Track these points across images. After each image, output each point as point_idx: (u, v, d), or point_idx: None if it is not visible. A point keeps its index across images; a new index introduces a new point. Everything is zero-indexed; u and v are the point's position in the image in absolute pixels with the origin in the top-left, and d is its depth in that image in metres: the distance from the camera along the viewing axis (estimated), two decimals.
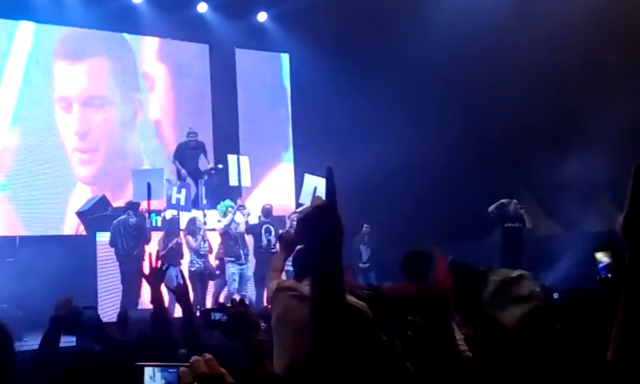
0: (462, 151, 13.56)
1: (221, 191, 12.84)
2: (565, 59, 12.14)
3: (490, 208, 12.15)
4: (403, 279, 5.94)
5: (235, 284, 11.71)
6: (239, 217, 11.91)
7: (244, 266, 11.86)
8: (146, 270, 4.23)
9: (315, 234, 1.74)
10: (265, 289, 4.77)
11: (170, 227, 11.66)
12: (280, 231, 11.96)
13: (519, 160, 13.01)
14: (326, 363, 1.78)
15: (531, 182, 12.84)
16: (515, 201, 12.29)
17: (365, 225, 13.40)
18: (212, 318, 2.79)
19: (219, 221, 11.84)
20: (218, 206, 12.09)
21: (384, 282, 9.43)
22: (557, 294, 9.22)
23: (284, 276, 4.73)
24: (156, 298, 4.20)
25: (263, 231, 12.06)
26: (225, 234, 11.84)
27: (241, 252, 11.81)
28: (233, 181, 12.82)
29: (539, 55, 12.34)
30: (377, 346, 3.42)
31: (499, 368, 2.59)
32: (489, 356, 2.59)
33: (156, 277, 4.17)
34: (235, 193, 12.89)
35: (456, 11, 12.99)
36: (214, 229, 11.96)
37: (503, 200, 12.29)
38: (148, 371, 1.59)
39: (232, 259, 11.79)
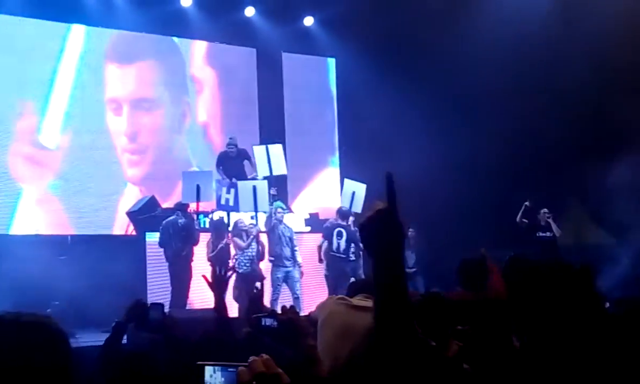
0: (510, 157, 13.44)
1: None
2: (615, 64, 11.99)
3: (518, 217, 12.12)
4: (458, 287, 5.89)
5: (280, 290, 11.62)
6: (286, 218, 11.95)
7: (290, 269, 11.75)
8: (209, 277, 4.25)
9: (377, 239, 1.75)
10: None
11: (218, 229, 11.68)
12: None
13: (568, 167, 12.86)
14: (389, 369, 1.78)
15: (580, 190, 12.69)
16: (545, 210, 12.20)
17: (410, 229, 13.32)
18: (263, 323, 2.80)
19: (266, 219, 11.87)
20: (270, 207, 12.11)
21: (432, 287, 9.39)
22: (608, 303, 9.12)
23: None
24: (219, 304, 4.24)
25: (335, 234, 11.90)
26: (270, 234, 11.81)
27: (283, 252, 11.68)
28: (263, 172, 12.69)
29: (588, 60, 12.20)
30: (426, 351, 3.40)
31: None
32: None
33: (219, 284, 4.22)
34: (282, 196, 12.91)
35: (502, 16, 12.91)
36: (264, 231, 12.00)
37: (526, 203, 12.22)
38: (209, 370, 1.62)
39: (273, 260, 11.71)
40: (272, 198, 12.15)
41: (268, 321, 2.79)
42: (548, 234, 11.96)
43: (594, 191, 12.05)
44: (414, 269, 13.15)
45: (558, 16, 12.74)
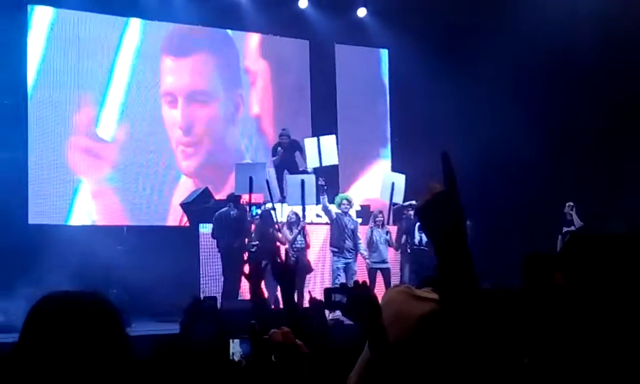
0: (565, 152, 13.26)
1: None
2: None
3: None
4: (521, 282, 5.83)
5: (341, 279, 11.73)
6: (352, 212, 12.15)
7: (350, 260, 11.90)
8: (246, 269, 4.32)
9: (436, 223, 1.69)
10: None
11: (266, 219, 11.76)
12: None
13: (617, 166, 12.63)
14: (459, 356, 1.76)
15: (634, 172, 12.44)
16: (570, 203, 11.99)
17: (468, 221, 13.22)
18: (333, 298, 2.82)
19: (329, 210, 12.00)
20: (335, 198, 12.30)
21: (485, 281, 9.35)
22: None
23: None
24: (256, 294, 4.31)
25: (417, 228, 11.94)
26: (334, 225, 11.95)
27: (346, 244, 11.83)
28: (312, 163, 12.77)
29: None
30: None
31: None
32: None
33: (256, 275, 4.28)
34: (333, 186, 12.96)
35: (559, 8, 12.72)
36: (314, 223, 12.11)
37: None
38: (235, 343, 1.69)
39: (336, 251, 11.89)
40: (321, 189, 12.23)
41: (338, 296, 2.81)
42: (572, 228, 11.81)
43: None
44: None
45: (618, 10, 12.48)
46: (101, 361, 1.70)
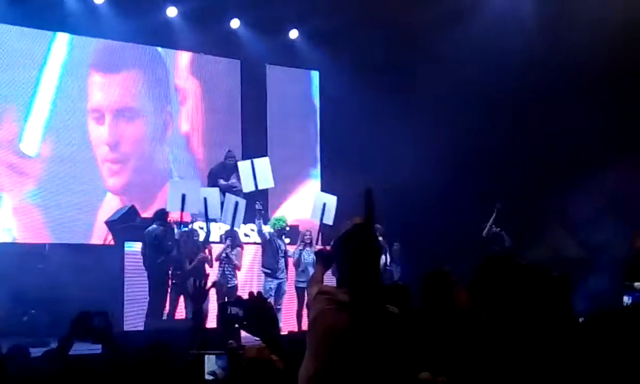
0: (495, 168, 13.53)
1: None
2: (597, 78, 12.12)
3: (488, 225, 12.26)
4: (424, 302, 5.92)
5: (271, 301, 11.77)
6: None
7: (282, 281, 12.08)
8: (191, 290, 4.34)
9: (353, 253, 1.79)
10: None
11: (197, 240, 11.69)
12: (316, 249, 12.09)
13: (548, 181, 12.96)
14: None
15: (559, 204, 12.77)
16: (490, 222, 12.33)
17: (395, 243, 13.41)
18: (229, 311, 2.80)
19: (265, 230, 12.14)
20: (271, 219, 12.59)
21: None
22: (582, 318, 9.17)
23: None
24: (197, 316, 4.29)
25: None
26: (268, 246, 12.08)
27: (279, 265, 12.03)
28: (248, 187, 12.76)
29: (571, 73, 12.33)
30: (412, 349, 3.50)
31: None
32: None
33: (199, 297, 4.27)
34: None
35: (485, 31, 13.04)
36: (250, 243, 12.15)
37: (498, 205, 12.30)
38: (209, 359, 1.67)
39: (269, 272, 12.01)
40: (258, 213, 12.26)
41: (234, 309, 2.79)
42: (497, 247, 12.15)
43: (573, 206, 12.14)
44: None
45: (543, 30, 12.88)
46: None
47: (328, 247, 4.61)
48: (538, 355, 3.34)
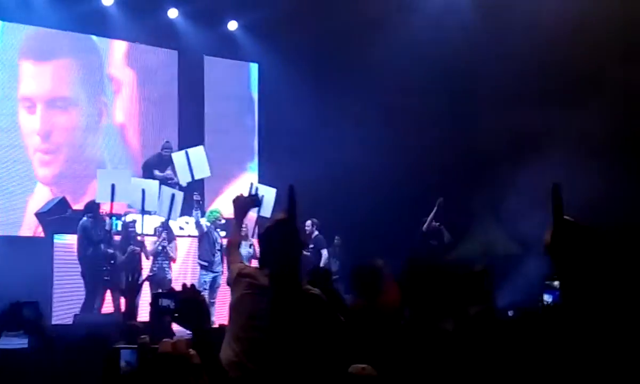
0: (433, 163, 13.64)
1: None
2: (532, 73, 12.32)
3: (428, 219, 12.38)
4: (354, 294, 5.95)
5: (205, 294, 11.72)
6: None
7: (217, 274, 11.95)
8: (124, 283, 4.24)
9: (274, 247, 1.81)
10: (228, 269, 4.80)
11: (130, 232, 11.55)
12: (251, 242, 12.05)
13: (482, 174, 13.12)
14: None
15: (494, 198, 12.97)
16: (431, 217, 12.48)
17: (336, 237, 13.45)
18: (160, 304, 2.73)
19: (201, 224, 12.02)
20: (207, 212, 12.43)
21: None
22: (511, 312, 9.33)
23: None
24: (129, 310, 4.22)
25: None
26: (205, 238, 11.97)
27: (215, 258, 11.94)
28: (184, 179, 12.65)
29: (507, 69, 12.50)
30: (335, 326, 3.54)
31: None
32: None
33: (132, 290, 4.19)
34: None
35: (425, 24, 13.13)
36: (184, 236, 12.02)
37: (440, 200, 12.44)
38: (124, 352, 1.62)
39: (205, 265, 11.85)
40: (196, 204, 12.15)
41: (166, 301, 2.71)
42: (436, 242, 12.30)
43: (504, 200, 12.32)
44: (336, 277, 13.24)
45: (481, 22, 13.04)
46: None
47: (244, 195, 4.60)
48: (455, 350, 3.37)
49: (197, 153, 12.83)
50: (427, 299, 4.00)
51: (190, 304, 2.65)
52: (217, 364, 2.55)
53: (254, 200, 4.70)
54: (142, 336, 3.54)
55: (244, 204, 4.50)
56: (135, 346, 1.54)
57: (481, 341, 3.89)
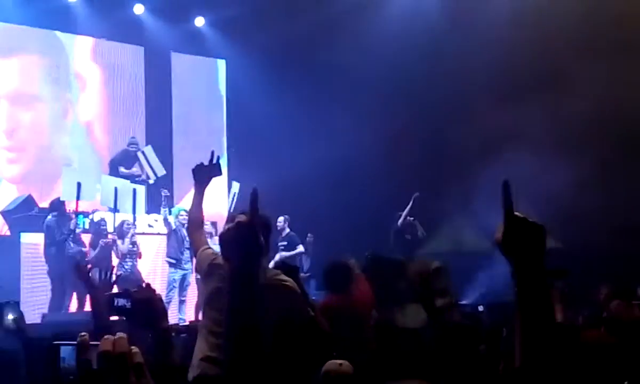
0: (400, 160, 13.70)
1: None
2: (498, 67, 12.45)
3: (404, 214, 12.39)
4: (326, 291, 6.01)
5: (175, 292, 11.67)
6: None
7: (187, 272, 11.80)
8: (96, 282, 4.13)
9: (234, 250, 1.79)
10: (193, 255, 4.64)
11: (98, 230, 11.43)
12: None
13: (454, 170, 13.21)
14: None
15: (465, 193, 13.08)
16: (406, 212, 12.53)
17: (309, 234, 13.44)
18: (115, 303, 2.69)
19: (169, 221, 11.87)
20: (172, 210, 12.20)
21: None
22: (482, 307, 9.42)
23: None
24: (100, 309, 4.17)
25: None
26: (173, 235, 11.81)
27: (184, 256, 11.74)
28: (151, 177, 12.62)
29: (473, 64, 12.62)
30: (304, 317, 3.55)
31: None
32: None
33: (105, 288, 4.12)
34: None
35: (392, 22, 13.22)
36: (146, 233, 11.90)
37: (416, 194, 12.49)
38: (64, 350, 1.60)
39: (174, 262, 11.73)
40: (166, 200, 12.06)
41: (121, 301, 2.68)
42: (408, 237, 12.38)
43: (477, 195, 12.41)
44: (308, 274, 13.25)
45: (446, 22, 13.14)
46: None
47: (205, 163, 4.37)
48: (424, 345, 3.42)
49: (149, 152, 12.88)
50: (388, 292, 4.06)
51: (145, 303, 2.64)
52: (172, 364, 2.54)
53: (215, 168, 4.37)
54: (82, 333, 3.51)
55: (205, 172, 4.28)
56: (73, 343, 1.52)
57: (449, 333, 3.94)
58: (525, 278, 1.68)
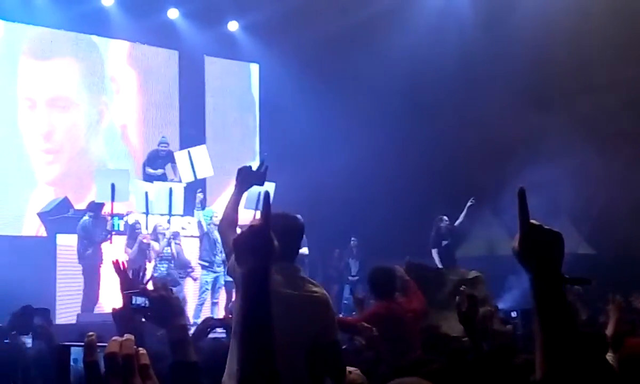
0: (442, 162, 13.62)
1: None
2: (525, 73, 12.37)
3: (460, 219, 12.30)
4: (373, 297, 5.92)
5: (207, 294, 11.71)
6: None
7: (219, 274, 11.80)
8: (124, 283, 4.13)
9: (247, 255, 1.79)
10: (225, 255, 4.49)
11: (133, 232, 11.48)
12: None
13: (482, 176, 13.11)
14: None
15: (494, 199, 12.98)
16: (445, 217, 12.41)
17: (352, 238, 13.48)
18: (133, 302, 2.74)
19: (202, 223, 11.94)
20: (203, 212, 12.20)
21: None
22: (515, 312, 9.31)
23: None
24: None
25: None
26: (205, 238, 11.85)
27: (216, 259, 11.72)
28: (187, 178, 12.62)
29: (502, 70, 12.55)
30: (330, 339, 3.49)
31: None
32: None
33: (131, 287, 4.14)
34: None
35: (422, 31, 13.20)
36: (185, 236, 11.97)
37: (472, 200, 12.40)
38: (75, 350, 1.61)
39: (206, 265, 11.78)
40: (201, 203, 12.11)
41: (139, 300, 2.71)
42: (449, 240, 12.31)
43: (507, 201, 12.27)
44: (356, 277, 13.28)
45: (473, 31, 13.08)
46: None
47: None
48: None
49: (200, 152, 12.85)
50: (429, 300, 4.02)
51: (162, 302, 2.67)
52: (188, 361, 2.57)
53: (260, 176, 4.22)
54: (90, 334, 3.54)
55: (249, 176, 4.17)
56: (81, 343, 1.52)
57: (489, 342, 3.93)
58: (543, 286, 1.66)
